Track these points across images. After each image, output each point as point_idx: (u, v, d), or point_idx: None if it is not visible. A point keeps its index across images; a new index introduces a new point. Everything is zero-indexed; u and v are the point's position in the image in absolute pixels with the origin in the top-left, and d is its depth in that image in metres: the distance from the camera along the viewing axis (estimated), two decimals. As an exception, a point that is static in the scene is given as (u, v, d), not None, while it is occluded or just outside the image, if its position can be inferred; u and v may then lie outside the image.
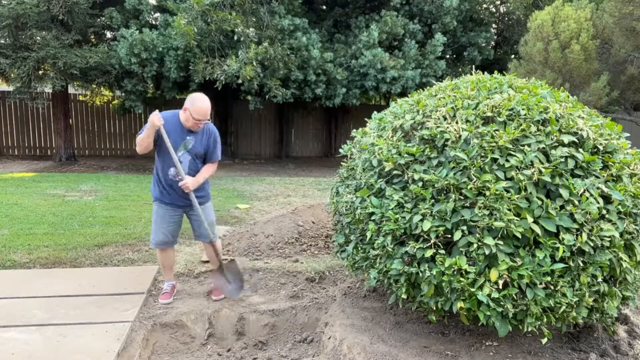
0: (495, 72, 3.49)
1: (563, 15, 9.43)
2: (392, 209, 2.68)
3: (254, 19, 10.13)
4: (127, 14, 10.87)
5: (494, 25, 14.14)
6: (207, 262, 4.47)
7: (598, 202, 2.48)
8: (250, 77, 9.57)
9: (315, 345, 3.32)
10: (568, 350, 2.86)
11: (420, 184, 2.64)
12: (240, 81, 9.74)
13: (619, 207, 2.53)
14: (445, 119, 2.84)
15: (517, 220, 2.40)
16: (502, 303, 2.41)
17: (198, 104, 3.37)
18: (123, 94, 11.33)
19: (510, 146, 2.56)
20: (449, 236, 2.52)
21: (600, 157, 2.67)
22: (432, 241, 2.52)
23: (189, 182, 3.43)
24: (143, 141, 3.38)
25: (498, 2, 14.40)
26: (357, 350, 2.77)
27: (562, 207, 2.47)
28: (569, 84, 9.35)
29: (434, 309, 2.68)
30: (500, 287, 2.39)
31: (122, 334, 3.12)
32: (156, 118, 3.29)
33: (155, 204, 3.64)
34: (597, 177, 2.59)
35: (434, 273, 2.48)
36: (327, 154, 15.82)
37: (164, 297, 3.73)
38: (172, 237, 3.68)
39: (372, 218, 2.78)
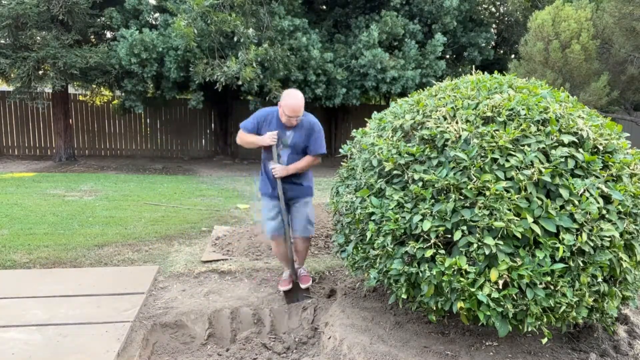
0: (495, 72, 3.49)
1: (563, 15, 9.43)
2: (392, 209, 2.68)
3: (254, 20, 10.13)
4: (127, 14, 10.87)
5: (493, 26, 14.14)
6: (207, 262, 4.48)
7: (598, 202, 2.48)
8: (250, 78, 9.57)
9: (315, 345, 3.32)
10: (568, 350, 2.86)
11: (420, 184, 2.64)
12: (240, 82, 9.74)
13: (619, 207, 2.53)
14: (445, 119, 2.84)
15: (517, 220, 2.40)
16: (502, 303, 2.41)
17: (290, 100, 3.46)
18: (123, 94, 11.32)
19: (510, 146, 2.56)
20: (449, 236, 2.52)
21: (600, 157, 2.67)
22: (432, 241, 2.52)
23: (278, 168, 3.55)
24: (247, 144, 3.67)
25: (498, 3, 14.40)
26: (357, 350, 2.77)
27: (562, 207, 2.47)
28: (569, 84, 9.36)
29: (434, 309, 2.68)
30: (500, 287, 2.39)
31: (122, 334, 3.12)
32: (271, 139, 3.52)
33: (262, 198, 3.80)
34: (597, 177, 2.59)
35: (434, 273, 2.48)
36: (327, 154, 15.80)
37: (282, 284, 3.83)
38: (281, 224, 3.70)
39: (372, 218, 2.78)
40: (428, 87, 3.43)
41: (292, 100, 3.46)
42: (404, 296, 2.69)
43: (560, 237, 2.41)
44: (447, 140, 2.72)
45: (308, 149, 3.66)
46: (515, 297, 2.42)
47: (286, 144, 3.60)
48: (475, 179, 2.50)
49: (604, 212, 2.50)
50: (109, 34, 12.17)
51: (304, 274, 3.93)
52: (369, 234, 2.77)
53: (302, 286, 3.83)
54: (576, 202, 2.45)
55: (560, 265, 2.38)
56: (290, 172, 3.61)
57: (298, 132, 3.60)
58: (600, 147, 2.71)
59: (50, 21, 10.16)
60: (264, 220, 3.78)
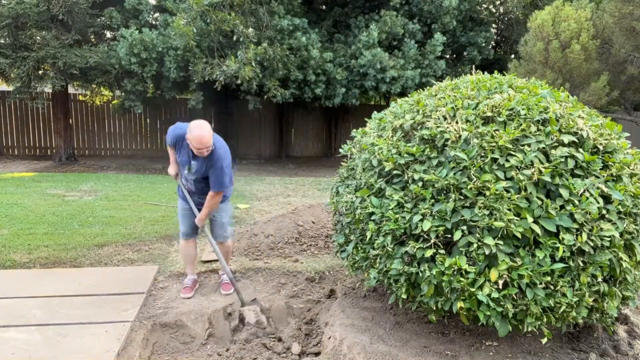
0: (495, 72, 3.49)
1: (563, 15, 9.43)
2: (392, 209, 2.68)
3: (253, 19, 10.13)
4: (127, 14, 10.86)
5: (493, 25, 14.13)
6: (207, 262, 4.48)
7: (598, 202, 2.48)
8: (249, 78, 9.56)
9: (316, 346, 3.31)
10: (568, 350, 2.86)
11: (420, 183, 2.64)
12: (239, 81, 9.74)
13: (619, 207, 2.53)
14: (445, 118, 2.84)
15: (517, 220, 2.40)
16: (502, 303, 2.41)
17: (194, 132, 3.33)
18: (123, 94, 11.31)
19: (510, 146, 2.56)
20: (449, 236, 2.52)
21: (600, 157, 2.67)
22: (432, 241, 2.52)
23: (198, 221, 3.75)
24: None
25: (498, 2, 14.39)
26: (357, 350, 2.77)
27: (562, 207, 2.47)
28: (569, 84, 9.36)
29: (434, 309, 2.68)
30: (500, 287, 2.39)
31: (122, 334, 3.12)
32: (173, 176, 3.85)
33: (179, 199, 3.98)
34: (597, 177, 2.59)
35: (434, 273, 2.48)
36: (327, 154, 15.81)
37: (185, 291, 3.88)
38: (190, 229, 3.90)
39: (372, 218, 2.77)
40: (428, 87, 3.43)
41: (197, 132, 3.31)
42: (404, 296, 2.69)
43: (560, 237, 2.41)
44: (447, 140, 2.72)
45: (210, 183, 3.60)
46: (515, 297, 2.42)
47: (191, 171, 3.61)
48: (475, 179, 2.50)
49: (604, 212, 2.50)
50: (109, 34, 12.16)
51: (225, 280, 4.01)
52: (369, 234, 2.77)
53: (222, 292, 3.91)
54: (576, 202, 2.45)
55: (560, 265, 2.38)
56: (204, 218, 3.73)
57: (201, 163, 3.53)
58: (600, 147, 2.71)
59: (50, 21, 10.15)
60: (180, 221, 3.96)
